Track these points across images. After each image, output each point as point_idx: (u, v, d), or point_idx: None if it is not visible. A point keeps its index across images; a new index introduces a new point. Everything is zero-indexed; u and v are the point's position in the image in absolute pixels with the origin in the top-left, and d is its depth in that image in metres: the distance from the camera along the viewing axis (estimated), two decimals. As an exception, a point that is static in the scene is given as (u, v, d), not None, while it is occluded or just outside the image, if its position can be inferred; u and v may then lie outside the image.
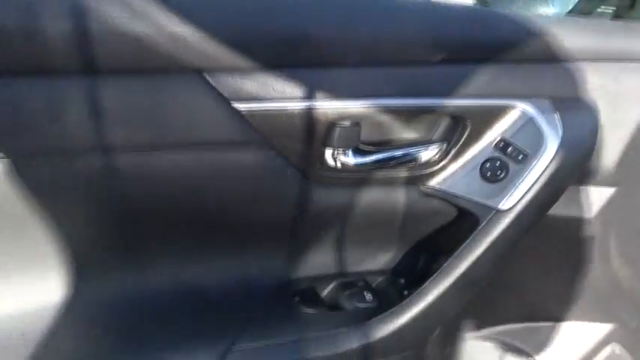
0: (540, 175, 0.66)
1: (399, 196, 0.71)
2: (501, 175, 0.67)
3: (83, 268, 0.61)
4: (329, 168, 0.66)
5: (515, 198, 0.66)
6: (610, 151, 0.72)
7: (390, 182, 0.70)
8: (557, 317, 0.91)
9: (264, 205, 0.66)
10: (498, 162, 0.68)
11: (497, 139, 0.68)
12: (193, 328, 0.65)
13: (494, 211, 0.67)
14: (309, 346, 0.65)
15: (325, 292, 0.74)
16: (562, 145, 0.66)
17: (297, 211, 0.67)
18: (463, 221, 0.70)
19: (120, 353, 0.61)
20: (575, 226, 0.78)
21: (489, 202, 0.67)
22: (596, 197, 0.76)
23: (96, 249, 0.62)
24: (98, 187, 0.57)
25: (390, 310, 0.68)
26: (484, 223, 0.67)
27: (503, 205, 0.67)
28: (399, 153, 0.68)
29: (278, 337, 0.65)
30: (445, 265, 0.68)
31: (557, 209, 0.75)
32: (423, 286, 0.68)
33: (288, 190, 0.66)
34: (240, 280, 0.70)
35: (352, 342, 0.66)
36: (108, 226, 0.61)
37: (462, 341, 0.92)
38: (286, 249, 0.71)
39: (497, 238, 0.66)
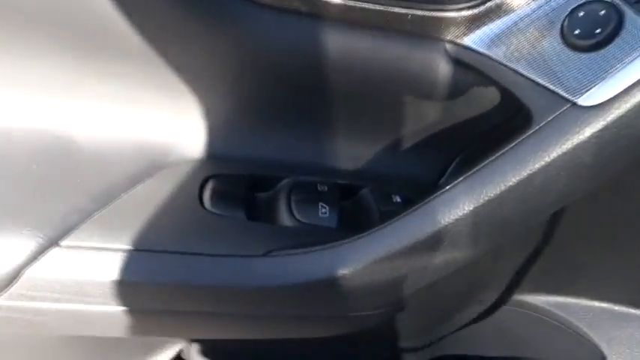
0: None
1: (406, 54, 0.40)
2: (602, 36, 0.33)
3: None
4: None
5: (619, 85, 0.32)
6: None
7: (390, 25, 0.39)
8: None
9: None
10: (603, 10, 0.33)
11: None
12: None
13: (566, 107, 0.34)
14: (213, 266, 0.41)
15: (268, 193, 0.47)
16: None
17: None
18: (507, 114, 0.39)
19: None
20: None
21: (559, 89, 0.34)
22: None
23: None
24: None
25: (358, 236, 0.40)
26: (541, 124, 0.34)
27: (588, 97, 0.33)
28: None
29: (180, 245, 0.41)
30: (461, 179, 0.37)
31: None
32: (415, 207, 0.39)
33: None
34: None
35: (268, 278, 0.40)
36: None
37: (489, 305, 0.62)
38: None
39: (558, 161, 0.34)
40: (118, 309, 0.42)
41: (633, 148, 0.33)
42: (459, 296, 0.60)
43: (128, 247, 0.40)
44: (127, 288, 0.40)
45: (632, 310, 0.59)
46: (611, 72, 0.32)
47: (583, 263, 0.57)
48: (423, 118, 0.45)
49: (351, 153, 0.49)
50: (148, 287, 0.40)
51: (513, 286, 0.61)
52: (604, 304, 0.59)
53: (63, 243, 0.40)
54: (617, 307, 0.59)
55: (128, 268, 0.40)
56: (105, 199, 0.42)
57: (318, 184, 0.47)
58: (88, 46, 0.41)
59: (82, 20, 0.39)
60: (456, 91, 0.41)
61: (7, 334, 0.54)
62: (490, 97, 0.41)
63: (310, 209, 0.44)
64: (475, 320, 0.65)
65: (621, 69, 0.32)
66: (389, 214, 0.45)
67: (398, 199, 0.47)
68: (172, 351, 0.58)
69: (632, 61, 0.32)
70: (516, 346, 0.67)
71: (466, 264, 0.40)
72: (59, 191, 0.42)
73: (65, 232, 0.40)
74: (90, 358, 0.56)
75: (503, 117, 0.42)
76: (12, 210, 0.40)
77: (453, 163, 0.50)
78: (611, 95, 0.32)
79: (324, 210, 0.45)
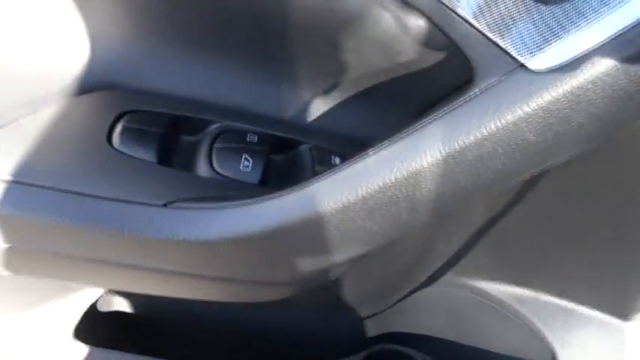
0: None
1: None
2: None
3: None
4: None
5: (579, 47, 0.26)
6: None
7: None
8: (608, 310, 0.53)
9: None
10: (577, -48, 0.27)
11: None
12: None
13: (513, 68, 0.28)
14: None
15: (191, 137, 0.42)
16: None
17: None
18: (450, 72, 0.33)
19: None
20: None
21: (509, 46, 0.28)
22: None
23: None
24: None
25: (278, 194, 0.35)
26: (481, 87, 0.29)
27: (541, 59, 0.27)
28: None
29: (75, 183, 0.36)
30: (384, 144, 0.32)
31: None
32: (331, 170, 0.34)
33: None
34: None
35: (162, 230, 0.35)
36: None
37: (435, 287, 0.58)
38: None
39: (498, 134, 0.28)
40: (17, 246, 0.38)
41: (588, 127, 0.28)
42: (405, 271, 0.56)
43: (16, 179, 0.36)
44: (9, 222, 0.36)
45: (591, 312, 0.54)
46: (571, 30, 0.26)
47: (545, 258, 0.52)
48: (371, 72, 0.39)
49: (294, 103, 0.43)
50: (35, 224, 0.36)
51: (468, 269, 0.56)
52: (562, 302, 0.55)
53: None
54: (575, 307, 0.54)
55: (11, 201, 0.35)
56: (4, 118, 0.38)
57: (249, 134, 0.42)
58: None
59: None
60: (405, 40, 0.35)
61: None
62: (444, 54, 0.35)
63: (231, 160, 0.39)
64: (424, 300, 0.61)
65: (584, 27, 0.26)
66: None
67: (337, 160, 0.42)
68: (93, 295, 0.54)
69: (598, 18, 0.26)
70: (467, 331, 0.62)
71: (391, 242, 0.35)
72: None
73: None
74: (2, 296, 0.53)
75: (457, 83, 0.36)
76: None
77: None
78: (567, 59, 0.26)
79: (247, 163, 0.40)
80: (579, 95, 0.26)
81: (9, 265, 0.41)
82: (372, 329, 0.64)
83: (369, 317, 0.62)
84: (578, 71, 0.26)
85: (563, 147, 0.29)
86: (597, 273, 0.50)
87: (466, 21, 0.30)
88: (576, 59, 0.26)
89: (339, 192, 0.32)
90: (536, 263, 0.53)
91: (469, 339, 0.62)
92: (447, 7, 0.31)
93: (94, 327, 0.54)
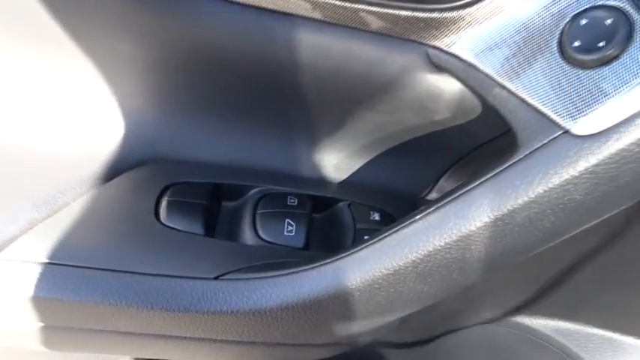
0: None
1: (382, 57, 0.35)
2: (606, 50, 0.27)
3: None
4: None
5: (622, 113, 0.27)
6: None
7: (365, 25, 0.34)
8: None
9: None
10: (611, 18, 0.28)
11: None
12: None
13: (557, 134, 0.28)
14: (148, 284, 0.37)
15: (234, 203, 0.43)
16: None
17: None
18: (480, 133, 0.33)
19: None
20: None
21: (550, 111, 0.29)
22: None
23: None
24: None
25: (314, 265, 0.36)
26: (527, 152, 0.29)
27: (584, 123, 0.28)
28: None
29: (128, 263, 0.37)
30: (432, 209, 0.32)
31: None
32: (380, 236, 0.34)
33: None
34: None
35: (217, 303, 0.36)
36: None
37: (479, 325, 0.57)
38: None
39: (546, 197, 0.29)
40: (56, 326, 0.39)
41: (636, 184, 0.28)
42: (450, 313, 0.56)
43: (71, 263, 0.37)
44: (65, 306, 0.37)
45: (634, 341, 0.53)
46: (613, 95, 0.27)
47: (586, 290, 0.52)
48: (406, 129, 0.40)
49: (328, 162, 0.44)
50: (90, 306, 0.37)
51: (511, 307, 0.56)
52: (608, 334, 0.54)
53: (3, 255, 0.37)
54: (621, 338, 0.54)
55: (68, 286, 0.36)
56: (50, 207, 0.39)
57: (289, 197, 0.42)
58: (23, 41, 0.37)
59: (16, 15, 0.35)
60: (440, 101, 0.36)
61: None
62: (479, 110, 0.36)
63: (275, 226, 0.40)
64: (469, 338, 0.60)
65: (625, 92, 0.27)
66: (364, 232, 0.41)
67: (376, 216, 0.43)
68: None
69: (637, 82, 0.26)
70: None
71: (439, 300, 0.36)
72: None
73: (3, 244, 0.37)
74: None
75: (492, 134, 0.37)
76: None
77: (442, 179, 0.45)
78: (611, 124, 0.27)
79: (290, 228, 0.40)
80: (624, 157, 0.27)
81: (48, 342, 0.42)
82: None
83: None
84: (622, 134, 0.27)
85: (611, 204, 0.29)
86: (636, 303, 0.50)
87: (502, 86, 0.31)
88: (620, 122, 0.27)
89: (389, 258, 0.33)
90: (580, 296, 0.53)
91: None
92: (482, 72, 0.32)
93: None
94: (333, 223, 0.43)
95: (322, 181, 0.44)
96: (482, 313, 0.57)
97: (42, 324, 0.38)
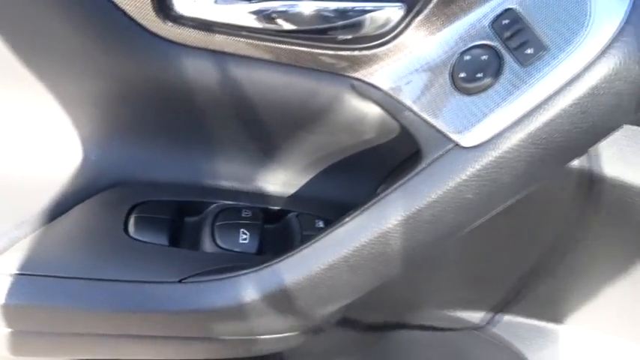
0: (559, 92, 0.33)
1: (316, 89, 0.42)
2: (483, 80, 0.35)
3: None
4: (176, 18, 0.38)
5: (496, 128, 0.34)
6: None
7: (301, 62, 0.41)
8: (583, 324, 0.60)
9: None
10: (486, 55, 0.35)
11: (501, 11, 0.36)
12: None
13: (450, 146, 0.36)
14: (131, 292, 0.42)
15: (195, 218, 0.49)
16: (628, 33, 0.32)
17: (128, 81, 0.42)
18: (403, 148, 0.40)
19: None
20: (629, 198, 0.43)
21: (444, 129, 0.36)
22: None
23: None
24: None
25: (261, 266, 0.42)
26: (429, 162, 0.36)
27: (469, 138, 0.35)
28: (318, 8, 0.38)
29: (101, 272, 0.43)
30: (357, 212, 0.39)
31: (601, 165, 0.42)
32: (316, 238, 0.41)
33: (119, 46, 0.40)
34: None
35: (180, 303, 0.42)
36: None
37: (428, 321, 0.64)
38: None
39: (444, 197, 0.36)
40: (43, 331, 0.44)
41: (512, 184, 0.35)
42: (394, 311, 0.62)
43: (50, 274, 0.42)
44: (46, 312, 0.42)
45: (559, 326, 0.61)
46: (488, 115, 0.34)
47: (515, 285, 0.59)
48: (342, 147, 0.47)
49: (278, 179, 0.51)
50: (69, 312, 0.42)
51: (451, 304, 0.63)
52: (531, 321, 0.61)
53: None
54: (545, 325, 0.61)
55: (48, 294, 0.42)
56: (30, 226, 0.44)
57: (244, 210, 0.48)
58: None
59: None
60: (365, 123, 0.43)
61: None
62: (398, 130, 0.43)
63: (231, 235, 0.46)
64: (419, 336, 0.67)
65: (497, 112, 0.34)
66: (310, 238, 0.47)
67: (321, 223, 0.49)
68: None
69: (506, 105, 0.34)
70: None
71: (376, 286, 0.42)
72: None
73: None
74: None
75: (410, 150, 0.44)
76: None
77: (379, 189, 0.52)
78: (488, 137, 0.34)
79: (244, 236, 0.46)
80: (501, 162, 0.34)
81: (13, 348, 0.46)
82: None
83: (368, 354, 0.67)
84: (496, 145, 0.34)
85: (496, 201, 0.37)
86: (556, 291, 0.58)
87: (409, 109, 0.38)
88: (494, 136, 0.34)
89: (326, 255, 0.39)
90: (505, 290, 0.60)
91: None
92: (394, 98, 0.39)
93: None
94: (283, 232, 0.49)
95: (273, 196, 0.51)
96: (429, 310, 0.64)
97: (18, 329, 0.43)
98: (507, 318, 0.64)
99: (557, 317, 0.60)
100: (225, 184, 0.50)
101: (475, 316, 0.65)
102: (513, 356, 0.64)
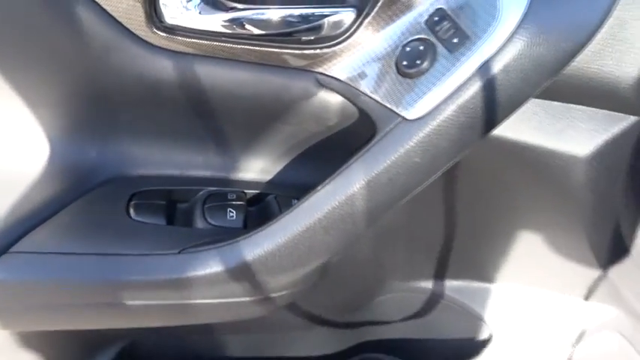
0: (479, 70, 0.41)
1: (286, 84, 0.50)
2: (421, 66, 0.44)
3: None
4: (165, 28, 0.46)
5: (433, 103, 0.43)
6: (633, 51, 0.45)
7: (271, 61, 0.49)
8: (527, 283, 0.69)
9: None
10: (422, 46, 0.44)
11: (433, 10, 0.44)
12: None
13: (399, 120, 0.44)
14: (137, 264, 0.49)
15: (189, 203, 0.56)
16: (528, 21, 0.41)
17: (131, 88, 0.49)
18: (362, 129, 0.48)
19: None
20: (559, 166, 0.52)
21: (393, 106, 0.44)
22: (599, 126, 0.50)
23: None
24: None
25: (251, 233, 0.49)
26: (382, 134, 0.45)
27: (413, 112, 0.43)
28: (283, 15, 0.46)
29: (109, 247, 0.49)
30: (328, 181, 0.47)
31: (524, 136, 0.51)
32: (295, 205, 0.48)
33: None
34: None
35: (182, 271, 0.49)
36: None
37: (389, 293, 0.72)
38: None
39: (396, 162, 0.44)
40: (61, 303, 0.50)
41: (450, 148, 0.44)
42: (363, 285, 0.70)
43: (68, 251, 0.48)
44: (66, 285, 0.48)
45: (500, 285, 0.69)
46: (427, 93, 0.43)
47: (467, 250, 0.68)
48: (312, 135, 0.55)
49: (257, 167, 0.58)
50: (84, 284, 0.49)
51: (413, 274, 0.71)
52: (486, 285, 0.70)
53: (13, 249, 0.48)
54: (491, 286, 0.70)
55: (69, 269, 0.48)
56: (37, 217, 0.50)
57: (229, 194, 0.56)
58: None
59: None
60: (330, 111, 0.51)
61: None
62: (357, 114, 0.51)
63: (220, 214, 0.53)
64: (388, 307, 0.75)
65: (434, 90, 0.43)
66: (288, 213, 0.55)
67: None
68: (112, 352, 0.65)
69: (440, 84, 0.43)
70: (423, 327, 0.76)
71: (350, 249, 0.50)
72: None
73: (16, 240, 0.48)
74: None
75: (368, 130, 0.52)
76: None
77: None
78: (427, 111, 0.43)
79: (231, 214, 0.54)
80: (440, 130, 0.43)
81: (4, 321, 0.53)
82: (351, 340, 0.77)
83: (345, 329, 0.75)
84: (436, 116, 0.42)
85: (439, 163, 0.45)
86: (505, 252, 0.66)
87: (365, 94, 0.47)
88: (433, 109, 0.43)
89: (302, 219, 0.47)
90: (461, 257, 0.68)
91: (426, 334, 0.76)
92: (352, 86, 0.48)
93: None
94: (264, 212, 0.57)
95: (253, 182, 0.58)
96: (392, 283, 0.72)
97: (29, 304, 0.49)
98: (458, 283, 0.72)
99: (497, 277, 0.69)
100: (211, 174, 0.58)
101: (432, 284, 0.73)
102: (474, 319, 0.72)
